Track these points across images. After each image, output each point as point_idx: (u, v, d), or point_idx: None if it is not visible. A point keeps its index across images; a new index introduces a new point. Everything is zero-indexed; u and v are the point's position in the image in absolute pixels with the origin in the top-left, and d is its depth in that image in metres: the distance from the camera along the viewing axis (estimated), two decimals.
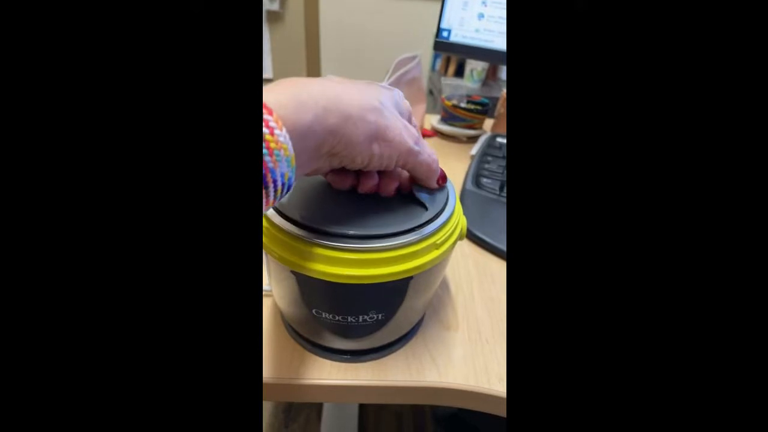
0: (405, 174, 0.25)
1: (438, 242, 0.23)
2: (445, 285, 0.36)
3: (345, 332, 0.26)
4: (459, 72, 1.85)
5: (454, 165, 0.58)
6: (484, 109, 0.68)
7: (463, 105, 0.68)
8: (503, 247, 0.40)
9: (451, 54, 0.63)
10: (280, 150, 0.16)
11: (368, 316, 0.25)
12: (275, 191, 0.17)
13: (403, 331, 0.30)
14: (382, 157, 0.21)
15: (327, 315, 0.25)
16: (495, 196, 0.46)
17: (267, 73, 2.11)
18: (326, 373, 0.28)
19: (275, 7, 1.90)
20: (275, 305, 0.32)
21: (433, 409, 0.91)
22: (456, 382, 0.28)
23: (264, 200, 0.17)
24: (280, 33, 2.00)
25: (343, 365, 0.28)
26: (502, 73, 1.78)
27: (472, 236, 0.42)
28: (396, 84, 0.59)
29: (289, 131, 0.17)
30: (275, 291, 0.28)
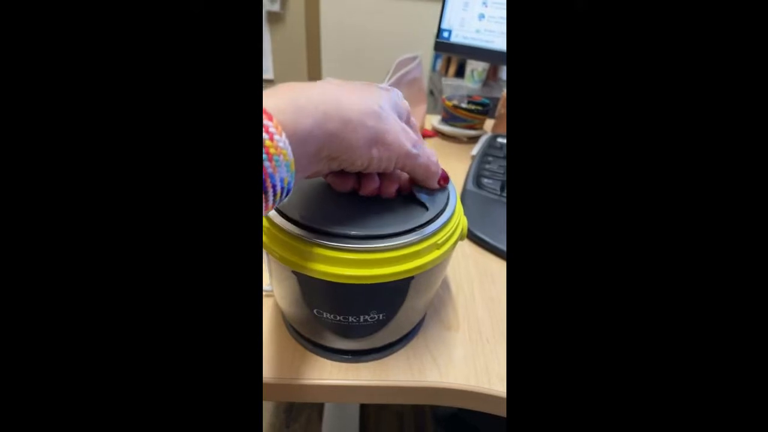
0: (405, 175, 0.26)
1: (439, 242, 0.23)
2: (445, 285, 0.36)
3: (346, 332, 0.26)
4: (460, 72, 1.85)
5: (455, 165, 0.58)
6: (485, 109, 0.68)
7: (463, 105, 0.68)
8: (504, 247, 0.40)
9: (452, 54, 0.63)
10: (279, 155, 0.16)
11: (369, 316, 0.25)
12: (274, 196, 0.17)
13: (404, 331, 0.30)
14: (381, 161, 0.22)
15: (328, 315, 0.25)
16: (496, 197, 0.46)
17: (268, 74, 2.12)
18: (327, 373, 0.28)
19: (276, 8, 1.90)
20: (276, 305, 0.32)
21: (434, 409, 0.91)
22: (457, 382, 0.28)
23: (263, 204, 0.17)
24: (281, 34, 2.00)
25: (344, 365, 0.28)
26: (503, 73, 1.78)
27: (472, 236, 0.42)
28: (397, 84, 0.59)
29: (288, 136, 0.17)
30: (276, 291, 0.28)
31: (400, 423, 0.90)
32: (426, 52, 1.95)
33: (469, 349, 0.30)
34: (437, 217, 0.24)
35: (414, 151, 0.23)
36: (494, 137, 0.59)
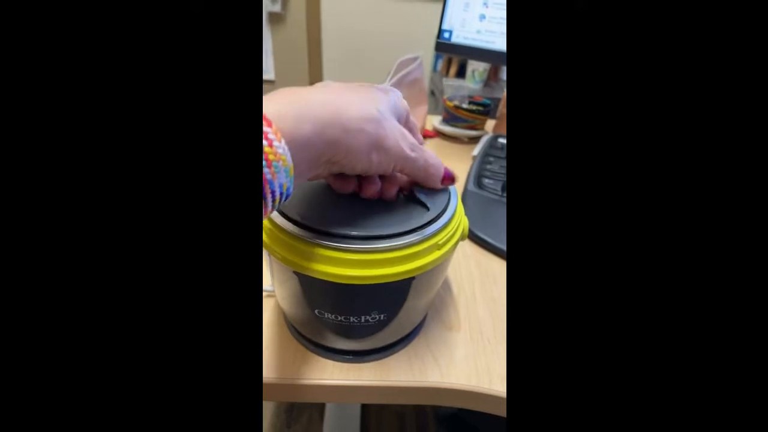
0: (404, 177, 0.26)
1: (440, 243, 0.23)
2: (447, 285, 0.36)
3: (347, 333, 0.26)
4: (460, 73, 1.85)
5: (456, 166, 0.58)
6: (486, 109, 0.68)
7: (464, 106, 0.68)
8: (505, 247, 0.40)
9: (453, 55, 0.63)
10: (278, 161, 0.16)
11: (370, 316, 0.25)
12: (273, 201, 0.17)
13: (406, 332, 0.30)
14: (381, 165, 0.22)
15: (329, 315, 0.25)
16: (497, 197, 0.46)
17: (269, 74, 2.12)
18: (329, 374, 0.28)
19: (277, 8, 1.90)
20: (278, 306, 0.32)
21: (435, 409, 0.91)
22: (458, 382, 0.28)
23: (262, 210, 0.17)
24: (282, 34, 2.01)
25: (346, 365, 0.28)
26: (504, 73, 1.78)
27: (473, 237, 0.42)
28: (398, 85, 0.59)
29: (287, 142, 0.17)
30: (278, 291, 0.28)
31: (401, 423, 0.90)
32: (427, 52, 1.95)
33: (470, 349, 0.30)
34: (438, 218, 0.24)
35: (412, 155, 0.23)
36: (495, 138, 0.59)
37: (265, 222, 0.23)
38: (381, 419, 0.91)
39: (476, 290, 0.36)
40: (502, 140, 0.59)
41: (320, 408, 0.91)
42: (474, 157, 0.56)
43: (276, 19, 1.97)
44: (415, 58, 0.62)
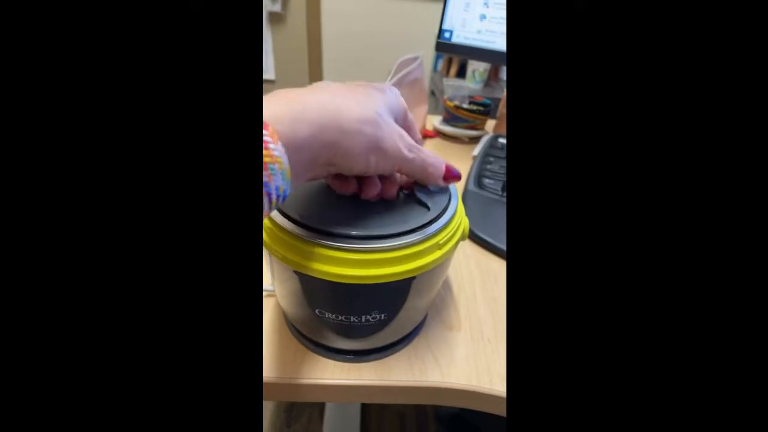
0: (404, 177, 0.26)
1: (440, 242, 0.23)
2: (447, 285, 0.36)
3: (348, 332, 0.26)
4: (461, 73, 1.86)
5: (456, 166, 0.57)
6: (486, 109, 0.68)
7: (465, 106, 0.68)
8: (505, 247, 0.40)
9: (453, 55, 0.63)
10: (275, 164, 0.16)
11: (371, 316, 0.25)
12: (270, 203, 0.17)
13: (406, 331, 0.30)
14: (379, 166, 0.22)
15: (330, 315, 0.25)
16: (497, 197, 0.46)
17: (269, 74, 2.12)
18: (329, 373, 0.28)
19: (277, 8, 1.90)
20: (278, 305, 0.33)
21: (436, 409, 0.91)
22: (458, 382, 0.28)
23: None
24: (282, 34, 2.01)
25: (346, 365, 0.28)
26: (504, 73, 1.78)
27: (474, 237, 0.42)
28: (398, 85, 0.59)
29: (284, 144, 0.17)
30: (278, 291, 0.28)
31: (401, 423, 0.90)
32: (427, 52, 1.95)
33: (470, 349, 0.30)
34: (439, 218, 0.24)
35: (410, 156, 0.23)
36: (495, 137, 0.59)
37: (266, 221, 0.23)
38: (381, 419, 0.91)
39: (477, 290, 0.36)
40: (503, 140, 0.59)
41: (320, 407, 0.91)
42: (474, 157, 0.56)
43: (276, 19, 1.97)
44: (416, 58, 0.62)
